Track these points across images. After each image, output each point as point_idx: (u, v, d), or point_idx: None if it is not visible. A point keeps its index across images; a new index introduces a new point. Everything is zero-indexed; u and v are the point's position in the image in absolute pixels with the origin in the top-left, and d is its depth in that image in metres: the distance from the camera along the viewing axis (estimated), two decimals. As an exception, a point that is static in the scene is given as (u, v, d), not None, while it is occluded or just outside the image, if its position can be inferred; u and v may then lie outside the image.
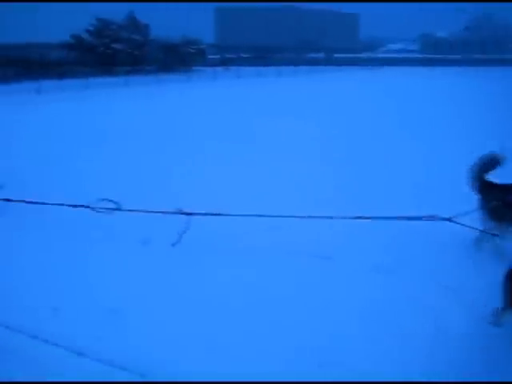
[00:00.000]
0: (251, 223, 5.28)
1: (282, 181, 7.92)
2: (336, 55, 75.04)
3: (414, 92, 25.19)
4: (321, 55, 77.80)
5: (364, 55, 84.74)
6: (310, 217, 5.17)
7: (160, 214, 5.35)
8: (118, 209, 5.47)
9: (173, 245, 5.16)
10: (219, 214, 5.29)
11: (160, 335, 3.80)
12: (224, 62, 62.33)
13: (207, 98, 24.92)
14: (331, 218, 5.03)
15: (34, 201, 5.79)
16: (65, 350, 3.46)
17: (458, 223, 4.78)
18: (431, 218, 4.87)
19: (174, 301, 4.30)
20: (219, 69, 53.66)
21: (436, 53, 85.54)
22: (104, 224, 5.57)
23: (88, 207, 5.53)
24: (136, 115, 17.07)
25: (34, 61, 48.08)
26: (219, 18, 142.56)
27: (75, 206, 5.62)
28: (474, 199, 5.31)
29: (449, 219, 4.79)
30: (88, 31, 55.19)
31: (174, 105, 21.33)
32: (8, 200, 5.90)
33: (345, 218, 5.05)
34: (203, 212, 5.30)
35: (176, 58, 54.56)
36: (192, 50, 56.94)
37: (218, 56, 66.94)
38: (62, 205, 5.70)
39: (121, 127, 13.78)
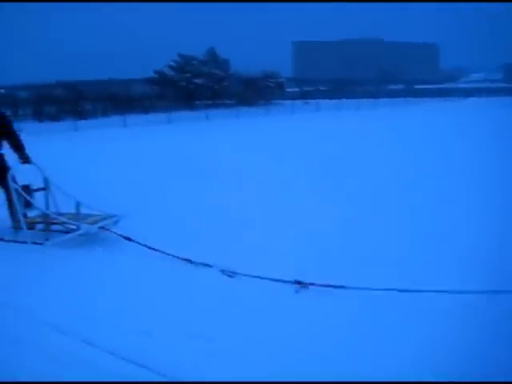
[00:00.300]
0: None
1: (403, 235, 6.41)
2: (416, 86, 73.75)
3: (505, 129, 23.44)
4: (400, 87, 76.66)
5: (445, 86, 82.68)
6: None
7: (273, 280, 4.86)
8: (231, 274, 5.10)
9: (297, 292, 4.68)
10: (342, 287, 4.71)
11: (247, 364, 3.51)
12: (302, 95, 62.56)
13: (286, 131, 24.66)
14: None
15: (151, 246, 5.65)
16: (153, 372, 3.41)
17: None
18: None
19: (266, 334, 3.95)
20: (298, 102, 53.72)
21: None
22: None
23: (208, 266, 5.27)
24: (220, 148, 16.97)
25: (119, 96, 50.17)
26: (297, 51, 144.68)
27: (193, 262, 5.37)
28: None
29: None
30: (170, 67, 57.06)
31: (254, 137, 21.19)
32: (129, 239, 5.87)
33: None
34: (322, 283, 4.74)
35: (255, 92, 55.22)
36: (271, 84, 57.51)
37: (296, 89, 67.34)
38: (178, 258, 5.42)
39: (212, 161, 13.60)
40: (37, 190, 6.42)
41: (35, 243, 5.95)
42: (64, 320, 4.14)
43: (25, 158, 6.50)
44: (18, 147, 6.53)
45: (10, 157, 6.62)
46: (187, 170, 12.24)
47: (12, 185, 6.09)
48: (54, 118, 41.15)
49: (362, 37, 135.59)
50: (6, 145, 6.61)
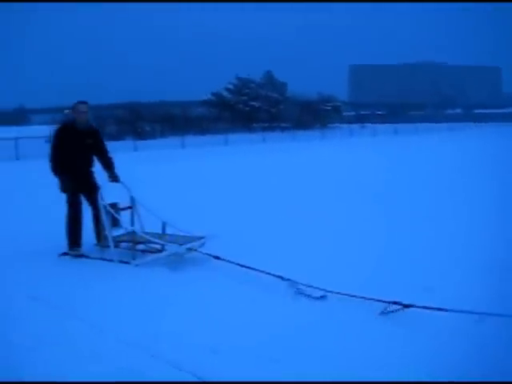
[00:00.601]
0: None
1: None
2: (476, 111, 72.04)
3: None
4: (458, 111, 75.13)
5: (509, 110, 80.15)
6: None
7: (366, 299, 4.65)
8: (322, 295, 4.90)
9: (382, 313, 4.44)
10: (446, 310, 4.47)
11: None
12: (359, 119, 62.15)
13: (344, 156, 24.34)
14: None
15: (240, 263, 5.58)
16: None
17: None
18: None
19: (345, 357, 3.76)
20: (354, 126, 53.32)
21: None
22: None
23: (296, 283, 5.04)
24: (284, 170, 16.83)
25: (177, 117, 51.16)
26: (353, 75, 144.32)
27: (283, 278, 5.17)
28: None
29: None
30: (228, 89, 57.88)
31: (314, 162, 20.95)
32: (217, 258, 5.80)
33: None
34: (425, 306, 4.46)
35: (311, 115, 55.20)
36: (327, 108, 57.42)
37: (352, 113, 66.99)
38: (263, 272, 5.33)
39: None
40: (124, 208, 6.42)
41: (122, 262, 5.93)
42: (136, 335, 4.15)
43: (114, 177, 6.54)
44: (108, 165, 6.58)
45: (99, 175, 6.70)
46: (257, 190, 12.23)
47: (101, 203, 6.11)
48: (114, 137, 42.23)
49: (421, 60, 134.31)
50: (96, 163, 6.68)
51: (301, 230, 7.78)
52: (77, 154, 6.33)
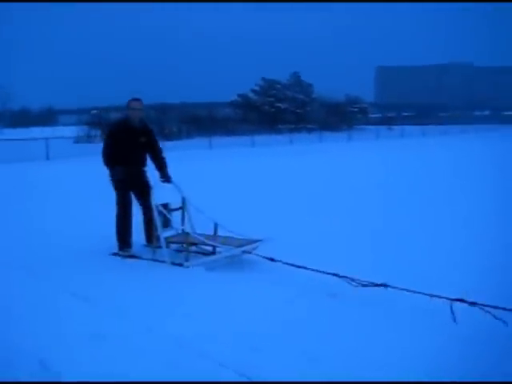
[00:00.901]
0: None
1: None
2: (506, 113, 70.94)
3: None
4: (487, 113, 74.09)
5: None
6: None
7: (434, 297, 4.47)
8: (383, 284, 4.74)
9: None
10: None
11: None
12: (386, 121, 61.60)
13: (371, 158, 24.11)
14: None
15: (292, 263, 5.49)
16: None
17: None
18: None
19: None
20: (381, 127, 52.83)
21: None
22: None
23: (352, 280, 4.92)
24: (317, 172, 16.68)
25: (204, 119, 51.20)
26: (379, 76, 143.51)
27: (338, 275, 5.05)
28: None
29: None
30: (254, 91, 57.82)
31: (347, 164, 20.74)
32: (272, 260, 5.69)
33: None
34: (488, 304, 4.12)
35: (338, 117, 54.87)
36: (354, 109, 57.04)
37: (378, 114, 66.47)
38: (317, 270, 5.23)
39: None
40: (175, 209, 6.33)
41: (174, 264, 5.83)
42: (184, 334, 4.12)
43: (166, 177, 6.44)
44: (161, 165, 6.49)
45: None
46: (292, 192, 12.15)
47: (153, 203, 6.01)
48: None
49: (448, 62, 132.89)
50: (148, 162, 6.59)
51: (345, 230, 7.72)
52: (129, 151, 6.24)
